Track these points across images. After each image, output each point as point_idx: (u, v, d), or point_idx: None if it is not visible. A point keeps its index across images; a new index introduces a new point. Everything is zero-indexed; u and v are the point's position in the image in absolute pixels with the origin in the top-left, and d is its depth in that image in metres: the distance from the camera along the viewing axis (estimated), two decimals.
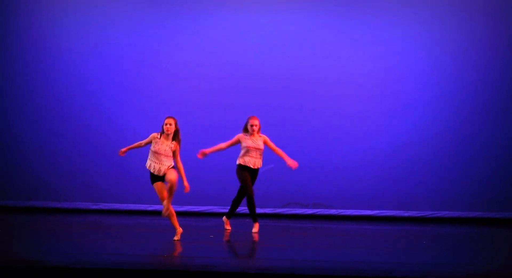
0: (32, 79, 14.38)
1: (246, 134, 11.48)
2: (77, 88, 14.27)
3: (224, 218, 11.91)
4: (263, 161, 11.69)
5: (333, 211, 13.92)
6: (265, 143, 11.59)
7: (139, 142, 10.66)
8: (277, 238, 11.47)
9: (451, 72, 13.94)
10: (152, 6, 14.30)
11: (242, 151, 11.50)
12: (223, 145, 11.54)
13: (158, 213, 13.65)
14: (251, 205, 11.46)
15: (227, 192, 13.43)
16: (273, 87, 14.08)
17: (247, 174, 11.44)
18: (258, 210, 13.81)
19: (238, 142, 11.50)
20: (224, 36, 14.20)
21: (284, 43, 14.13)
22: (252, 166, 11.48)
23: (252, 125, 11.45)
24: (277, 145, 11.78)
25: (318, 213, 13.93)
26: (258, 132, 11.53)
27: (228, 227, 11.81)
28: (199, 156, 11.42)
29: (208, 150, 11.44)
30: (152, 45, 14.24)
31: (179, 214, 12.25)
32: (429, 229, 12.64)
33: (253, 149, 11.46)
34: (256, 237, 11.23)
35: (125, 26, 14.29)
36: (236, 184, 11.82)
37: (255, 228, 11.60)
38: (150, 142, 10.50)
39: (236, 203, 11.73)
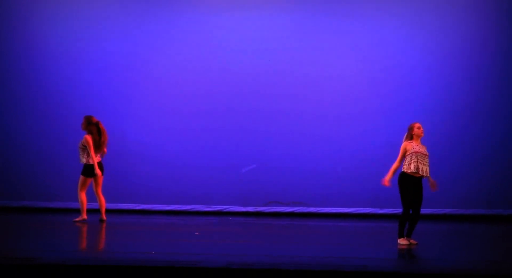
0: (24, 81, 14.55)
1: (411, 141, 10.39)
2: (68, 90, 14.45)
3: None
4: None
5: (311, 209, 14.22)
6: None
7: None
8: (259, 235, 11.78)
9: (445, 71, 14.06)
10: (149, 7, 14.49)
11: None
12: (396, 164, 10.41)
13: (146, 212, 14.06)
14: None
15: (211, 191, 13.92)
16: (256, 90, 14.34)
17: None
18: (241, 209, 14.24)
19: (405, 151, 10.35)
20: (218, 39, 14.39)
21: (279, 45, 14.28)
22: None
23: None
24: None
25: (297, 211, 14.21)
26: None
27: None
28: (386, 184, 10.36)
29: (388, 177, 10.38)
30: (146, 50, 14.46)
31: (166, 213, 12.87)
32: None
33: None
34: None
35: (119, 30, 14.48)
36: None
37: None
38: None
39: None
